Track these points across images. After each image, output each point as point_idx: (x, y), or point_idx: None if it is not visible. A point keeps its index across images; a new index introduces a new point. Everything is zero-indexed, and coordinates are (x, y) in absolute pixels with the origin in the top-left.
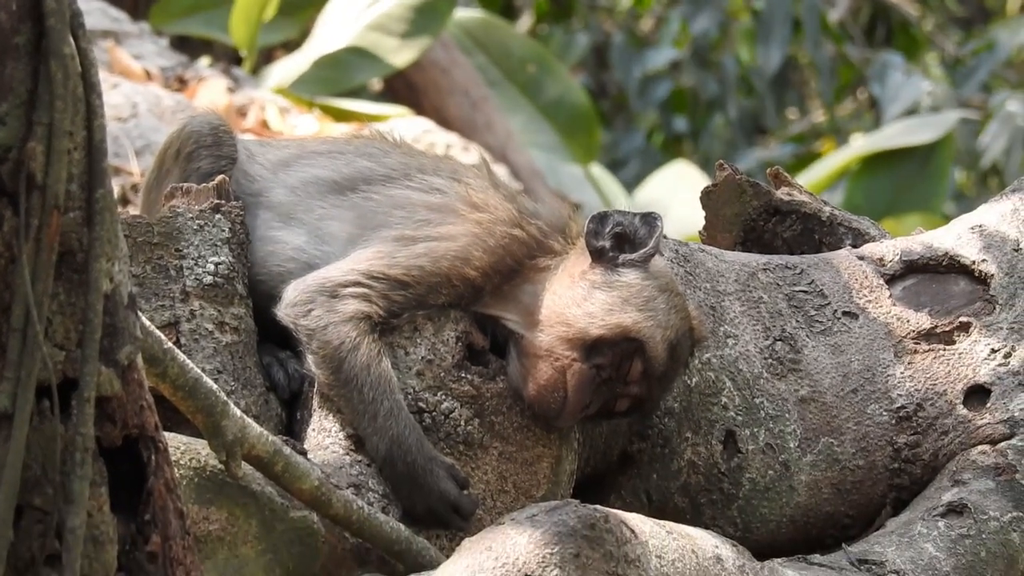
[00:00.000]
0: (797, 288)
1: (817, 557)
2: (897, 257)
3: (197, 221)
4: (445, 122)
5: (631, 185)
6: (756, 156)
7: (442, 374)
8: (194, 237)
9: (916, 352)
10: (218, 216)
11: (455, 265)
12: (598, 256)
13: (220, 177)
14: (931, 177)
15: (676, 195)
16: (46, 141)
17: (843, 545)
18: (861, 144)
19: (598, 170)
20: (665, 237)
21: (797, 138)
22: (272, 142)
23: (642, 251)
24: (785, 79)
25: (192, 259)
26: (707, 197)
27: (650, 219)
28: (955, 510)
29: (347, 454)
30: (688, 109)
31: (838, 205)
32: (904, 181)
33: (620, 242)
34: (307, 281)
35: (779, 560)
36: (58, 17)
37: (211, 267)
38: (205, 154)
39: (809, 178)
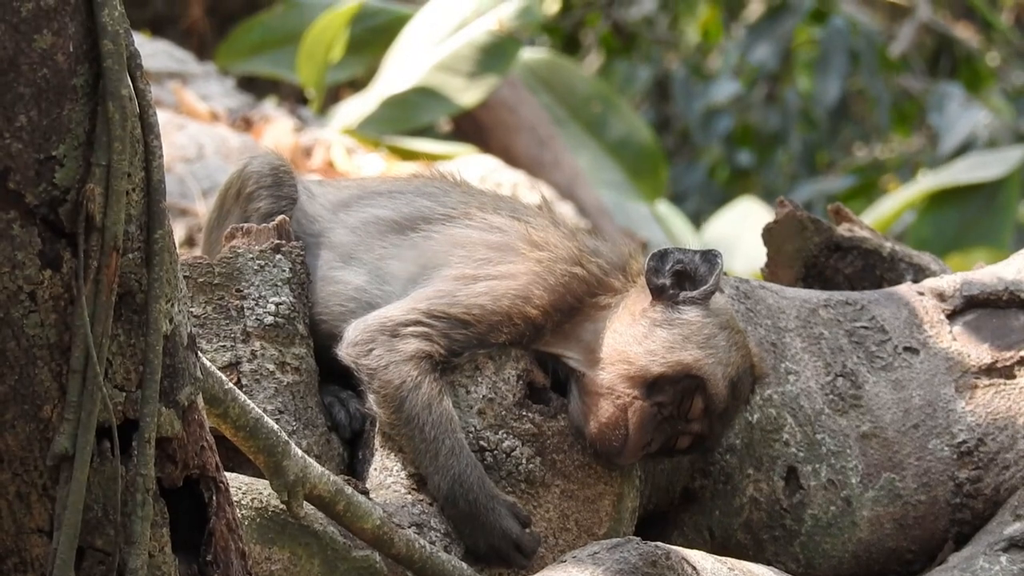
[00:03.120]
0: (858, 324)
1: None
2: (958, 292)
3: (258, 261)
4: (513, 160)
5: (691, 220)
6: (816, 188)
7: (503, 412)
8: (255, 277)
9: (977, 387)
10: (279, 256)
11: (516, 304)
12: (658, 294)
13: (280, 217)
14: (997, 212)
15: (743, 231)
16: (104, 182)
17: None
18: (928, 180)
19: (664, 207)
20: (725, 274)
21: (856, 170)
22: (332, 182)
23: (702, 288)
24: (844, 111)
25: (253, 299)
26: (768, 234)
27: (710, 256)
28: (1017, 544)
29: (409, 493)
30: (752, 143)
31: (904, 240)
32: (970, 216)
33: (680, 280)
34: (368, 320)
35: None
36: (115, 58)
37: (272, 307)
38: (265, 194)
39: (876, 214)
